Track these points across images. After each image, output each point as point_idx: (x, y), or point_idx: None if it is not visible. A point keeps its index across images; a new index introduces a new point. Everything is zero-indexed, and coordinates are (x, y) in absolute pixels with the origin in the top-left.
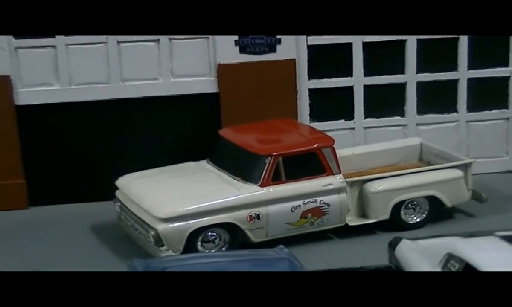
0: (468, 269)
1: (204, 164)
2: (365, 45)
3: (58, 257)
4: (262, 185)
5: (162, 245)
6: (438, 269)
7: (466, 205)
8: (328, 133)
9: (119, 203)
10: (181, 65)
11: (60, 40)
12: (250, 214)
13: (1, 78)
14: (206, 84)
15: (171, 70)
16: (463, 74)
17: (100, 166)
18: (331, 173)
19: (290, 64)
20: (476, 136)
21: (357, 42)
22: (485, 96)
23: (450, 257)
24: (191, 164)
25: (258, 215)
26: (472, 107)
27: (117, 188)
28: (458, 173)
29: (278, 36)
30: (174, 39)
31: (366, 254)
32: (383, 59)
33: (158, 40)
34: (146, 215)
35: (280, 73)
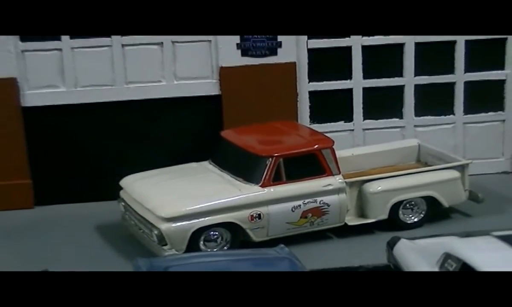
0: (465, 269)
1: (207, 165)
2: (364, 48)
3: (63, 256)
4: (263, 186)
5: (165, 244)
6: (436, 269)
7: (462, 205)
8: (327, 135)
9: (123, 203)
10: (184, 67)
11: (66, 43)
12: (251, 214)
13: (8, 80)
14: (209, 87)
15: (174, 73)
16: (460, 77)
17: (105, 167)
18: (331, 174)
19: (291, 67)
20: (473, 137)
21: (356, 45)
22: (482, 98)
23: (447, 256)
24: (194, 164)
25: (259, 215)
26: (469, 109)
27: (121, 188)
28: (455, 174)
29: (279, 40)
30: (177, 42)
31: (365, 253)
32: (381, 62)
33: (162, 43)
34: (149, 215)
35: (281, 76)
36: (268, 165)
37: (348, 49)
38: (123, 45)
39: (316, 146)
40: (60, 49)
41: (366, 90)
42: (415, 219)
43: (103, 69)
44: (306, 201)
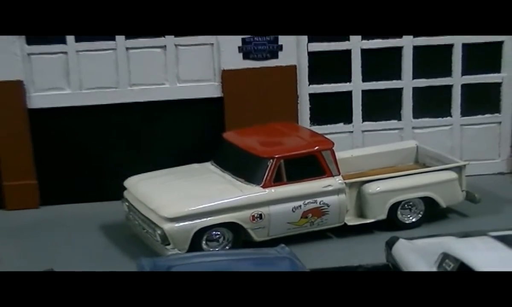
0: (463, 268)
1: (209, 166)
2: (364, 51)
3: (68, 255)
4: (264, 186)
5: (169, 244)
6: (434, 268)
7: (460, 206)
8: (327, 136)
9: (127, 203)
10: (187, 70)
11: (71, 46)
12: (252, 214)
13: (15, 83)
14: (211, 89)
15: (177, 76)
16: (457, 80)
17: (109, 168)
18: (331, 175)
19: (291, 70)
20: (470, 139)
21: (355, 49)
22: (478, 101)
23: (445, 256)
24: (196, 165)
25: (260, 215)
26: (466, 111)
27: (125, 189)
28: (452, 175)
29: (280, 43)
30: (180, 45)
31: (364, 252)
32: (380, 65)
33: (165, 46)
34: (153, 215)
35: (282, 79)
36: (269, 166)
37: (348, 53)
38: (127, 48)
39: (316, 147)
40: (65, 52)
41: (365, 93)
42: (413, 219)
43: (107, 72)
44: (307, 201)
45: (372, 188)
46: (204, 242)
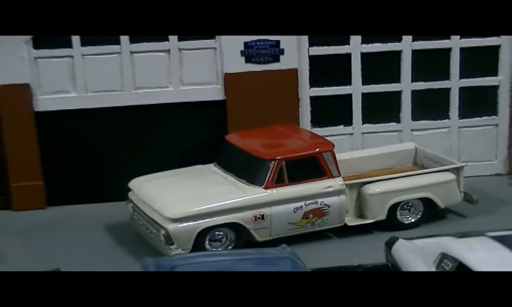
0: (461, 268)
1: (212, 167)
2: (363, 55)
3: (74, 254)
4: (266, 187)
5: (172, 244)
6: (433, 268)
7: (458, 206)
8: (328, 138)
9: (131, 204)
10: (190, 74)
11: (77, 50)
12: (255, 214)
13: (22, 86)
14: (214, 92)
15: (180, 79)
16: (455, 83)
17: (114, 169)
18: (331, 176)
19: (293, 73)
20: (467, 141)
21: (355, 52)
22: (476, 103)
23: (444, 256)
24: (199, 167)
25: (262, 215)
26: (464, 114)
27: (129, 190)
28: (450, 176)
29: (281, 47)
30: (183, 49)
31: (364, 252)
32: (380, 68)
33: (169, 50)
34: (157, 215)
35: (283, 82)
36: (271, 167)
37: (348, 56)
38: (131, 52)
39: (317, 149)
40: (71, 56)
41: (365, 96)
42: (412, 220)
43: (112, 75)
44: (308, 202)
45: (372, 189)
46: (207, 242)
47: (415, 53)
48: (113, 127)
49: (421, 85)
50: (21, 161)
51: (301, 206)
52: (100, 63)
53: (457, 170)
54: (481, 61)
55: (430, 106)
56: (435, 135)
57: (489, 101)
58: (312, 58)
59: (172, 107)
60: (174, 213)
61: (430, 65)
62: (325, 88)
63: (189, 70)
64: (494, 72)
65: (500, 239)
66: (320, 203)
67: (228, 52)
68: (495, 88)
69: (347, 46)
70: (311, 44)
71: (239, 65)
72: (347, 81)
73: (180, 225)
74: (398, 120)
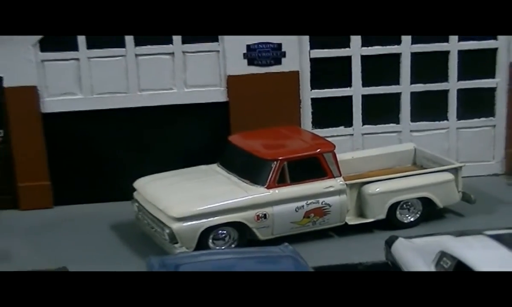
0: (460, 266)
1: (215, 168)
2: (363, 58)
3: (80, 253)
4: (268, 187)
5: (177, 243)
6: (432, 266)
7: (456, 206)
8: (329, 139)
9: (136, 204)
10: (194, 76)
11: (83, 53)
12: (257, 214)
13: (29, 88)
14: (217, 94)
15: (184, 81)
16: (453, 85)
17: (119, 169)
18: (332, 176)
19: (294, 76)
20: (465, 142)
21: (355, 55)
22: (474, 105)
23: (442, 254)
24: (203, 167)
25: (264, 214)
26: (462, 115)
27: (134, 190)
28: (449, 176)
29: (283, 50)
30: (187, 52)
31: (364, 251)
32: (379, 71)
33: (173, 53)
34: (161, 215)
35: (285, 84)
36: (273, 168)
37: (348, 59)
38: (136, 55)
39: (318, 150)
40: (77, 59)
41: (365, 97)
42: (412, 219)
43: (117, 77)
44: (309, 202)
45: (372, 189)
46: (210, 240)
47: (414, 56)
48: (118, 128)
49: (420, 87)
50: (28, 162)
51: (303, 206)
52: (105, 66)
53: (455, 170)
54: (479, 64)
55: (429, 108)
56: (434, 136)
57: (486, 102)
58: (313, 61)
59: (176, 108)
60: (178, 213)
61: (429, 67)
62: (326, 90)
63: (192, 73)
64: (491, 74)
65: (497, 238)
66: (321, 203)
67: (231, 54)
68: (492, 90)
69: (347, 49)
70: (312, 47)
71: (242, 68)
72: (348, 83)
73: (184, 224)
74: (397, 121)
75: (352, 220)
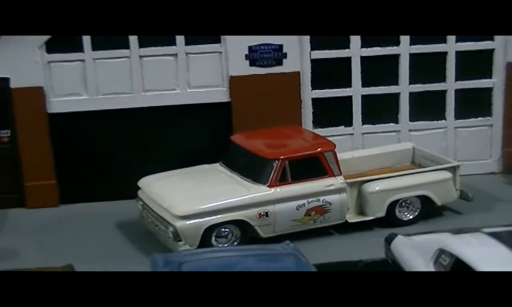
0: (458, 263)
1: (218, 167)
2: (363, 59)
3: (86, 251)
4: (270, 186)
5: (180, 240)
6: (431, 263)
7: (454, 204)
8: (329, 138)
9: (141, 202)
10: (197, 77)
11: (88, 54)
12: (259, 212)
13: (35, 89)
14: (219, 94)
15: (187, 82)
16: (451, 85)
17: (124, 168)
18: (333, 175)
19: (295, 76)
20: (463, 141)
21: (355, 56)
22: (471, 105)
23: (441, 252)
24: (206, 166)
25: (266, 213)
26: (459, 115)
27: (139, 188)
28: (447, 174)
29: (284, 51)
30: (190, 53)
31: (364, 248)
32: (379, 71)
33: (176, 54)
34: (165, 213)
35: (286, 84)
36: (274, 167)
37: (348, 60)
38: (140, 56)
39: (319, 149)
40: (83, 60)
41: (364, 97)
42: (411, 217)
43: (122, 78)
44: (310, 200)
45: (372, 187)
46: (213, 238)
47: (413, 57)
48: (123, 128)
49: (418, 87)
50: (35, 161)
51: (304, 204)
52: (110, 67)
53: (453, 169)
54: (476, 64)
55: (427, 108)
56: (432, 135)
57: (483, 102)
58: (314, 62)
59: (179, 109)
60: (182, 211)
61: (427, 68)
62: (326, 90)
63: (195, 73)
64: (488, 74)
65: (494, 235)
66: (322, 201)
67: (233, 56)
68: (489, 90)
69: (347, 50)
70: (313, 48)
71: (244, 69)
72: (348, 84)
73: (188, 222)
74: (396, 121)
75: (352, 218)
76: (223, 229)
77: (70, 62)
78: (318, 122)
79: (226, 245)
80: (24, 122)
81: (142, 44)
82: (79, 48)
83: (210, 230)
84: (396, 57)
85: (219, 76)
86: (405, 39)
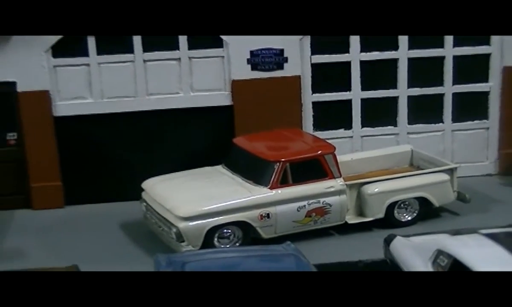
0: (456, 264)
1: (220, 169)
2: (362, 63)
3: (90, 251)
4: (271, 188)
5: (183, 241)
6: (429, 264)
7: (451, 205)
8: (329, 141)
9: (144, 203)
10: (200, 80)
11: (93, 58)
12: (260, 213)
13: (41, 93)
14: (222, 98)
15: (190, 85)
16: (448, 89)
17: (128, 170)
18: (333, 177)
19: (296, 80)
20: (460, 143)
21: (355, 60)
22: (468, 108)
23: (439, 253)
24: (208, 168)
25: (268, 214)
26: (457, 118)
27: (143, 190)
28: (444, 176)
29: (285, 55)
30: (193, 57)
31: (363, 248)
32: (378, 75)
33: (179, 58)
34: (168, 214)
35: (287, 88)
36: (276, 169)
37: (348, 64)
38: (144, 61)
39: (319, 151)
40: (88, 64)
41: (363, 101)
42: (409, 218)
43: (126, 82)
44: (310, 201)
45: (371, 189)
46: (216, 239)
47: (411, 61)
48: (127, 131)
49: (416, 91)
50: (41, 163)
51: (304, 205)
52: (115, 71)
53: (450, 171)
54: (473, 68)
55: (425, 111)
56: (430, 138)
57: (480, 106)
58: (314, 66)
59: (183, 112)
60: (185, 212)
61: (425, 72)
62: (327, 94)
63: (198, 77)
64: (485, 78)
65: (491, 236)
66: (322, 202)
67: (235, 60)
68: (486, 94)
69: (347, 54)
70: (313, 52)
71: (246, 73)
72: (347, 87)
73: (191, 223)
74: (395, 124)
75: (352, 219)
76: (225, 230)
77: (75, 66)
78: (318, 125)
79: (228, 246)
80: (31, 125)
81: (146, 49)
82: (85, 53)
83: (213, 231)
84: (394, 62)
85: (222, 80)
86: (403, 43)
